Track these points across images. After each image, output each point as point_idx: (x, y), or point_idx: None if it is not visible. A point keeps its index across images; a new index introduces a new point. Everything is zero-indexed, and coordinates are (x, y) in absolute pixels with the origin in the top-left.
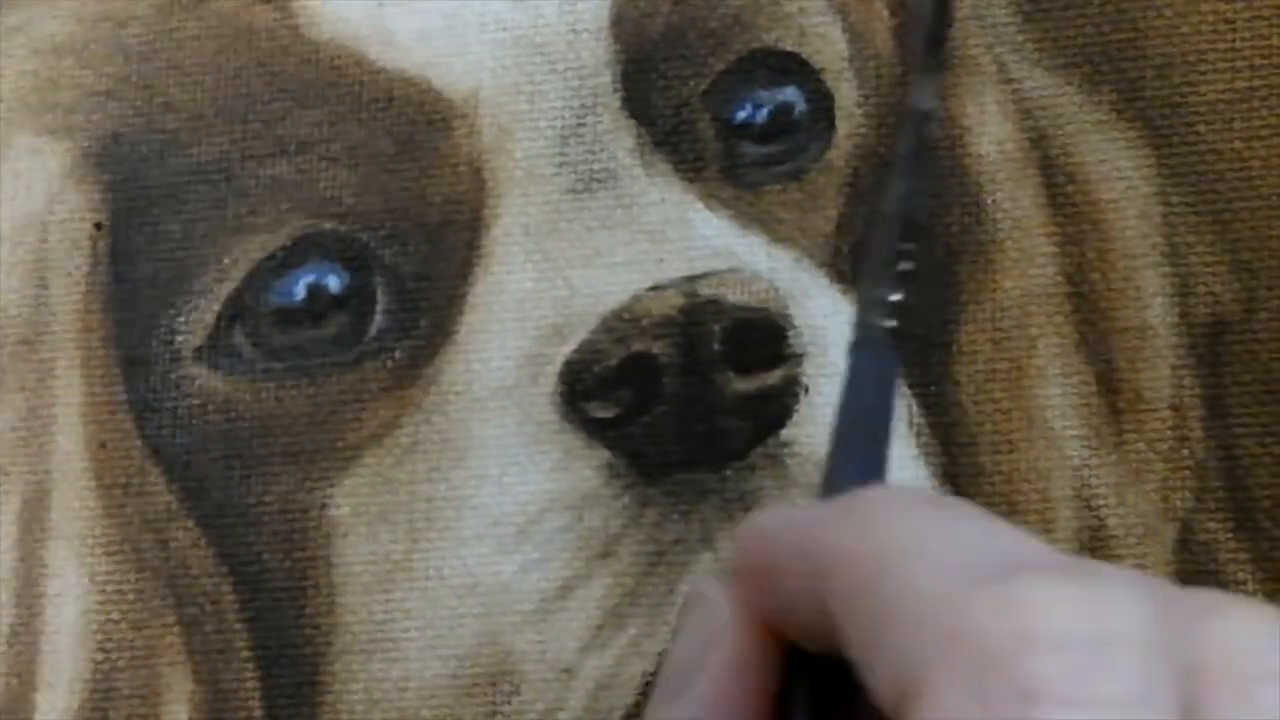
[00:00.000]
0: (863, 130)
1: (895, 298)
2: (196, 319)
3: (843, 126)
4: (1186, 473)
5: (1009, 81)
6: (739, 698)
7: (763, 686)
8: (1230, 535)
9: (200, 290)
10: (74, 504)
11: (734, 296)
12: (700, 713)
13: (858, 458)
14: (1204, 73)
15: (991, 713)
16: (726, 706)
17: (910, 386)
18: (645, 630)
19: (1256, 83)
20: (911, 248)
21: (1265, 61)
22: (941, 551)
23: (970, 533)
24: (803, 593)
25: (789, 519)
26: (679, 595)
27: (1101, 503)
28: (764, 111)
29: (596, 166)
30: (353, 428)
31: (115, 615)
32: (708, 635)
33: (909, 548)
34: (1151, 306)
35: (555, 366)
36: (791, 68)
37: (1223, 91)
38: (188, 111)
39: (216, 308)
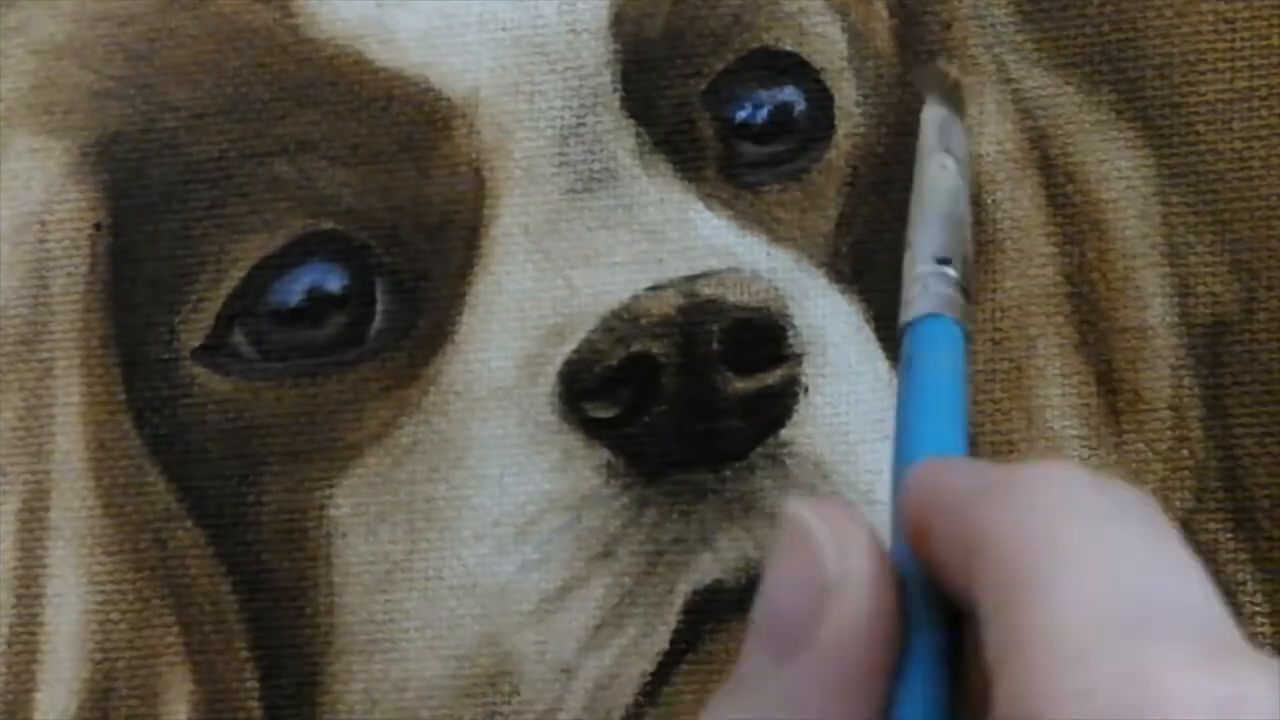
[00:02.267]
0: (862, 130)
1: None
2: (196, 319)
3: (842, 126)
4: (1186, 473)
5: (1008, 81)
6: (867, 654)
7: (890, 638)
8: (1230, 535)
9: (200, 290)
10: (74, 504)
11: (734, 296)
12: (829, 669)
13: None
14: (1203, 73)
15: None
16: (855, 664)
17: None
18: (645, 630)
19: (1256, 83)
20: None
21: (1265, 61)
22: (1084, 578)
23: (1121, 557)
24: (951, 556)
25: (955, 473)
26: (678, 595)
27: None
28: (764, 111)
29: (596, 166)
30: (352, 428)
31: (115, 615)
32: (823, 577)
33: (1054, 565)
34: (1151, 307)
35: (555, 366)
36: (791, 68)
37: (1222, 91)
38: (187, 111)
39: (216, 308)
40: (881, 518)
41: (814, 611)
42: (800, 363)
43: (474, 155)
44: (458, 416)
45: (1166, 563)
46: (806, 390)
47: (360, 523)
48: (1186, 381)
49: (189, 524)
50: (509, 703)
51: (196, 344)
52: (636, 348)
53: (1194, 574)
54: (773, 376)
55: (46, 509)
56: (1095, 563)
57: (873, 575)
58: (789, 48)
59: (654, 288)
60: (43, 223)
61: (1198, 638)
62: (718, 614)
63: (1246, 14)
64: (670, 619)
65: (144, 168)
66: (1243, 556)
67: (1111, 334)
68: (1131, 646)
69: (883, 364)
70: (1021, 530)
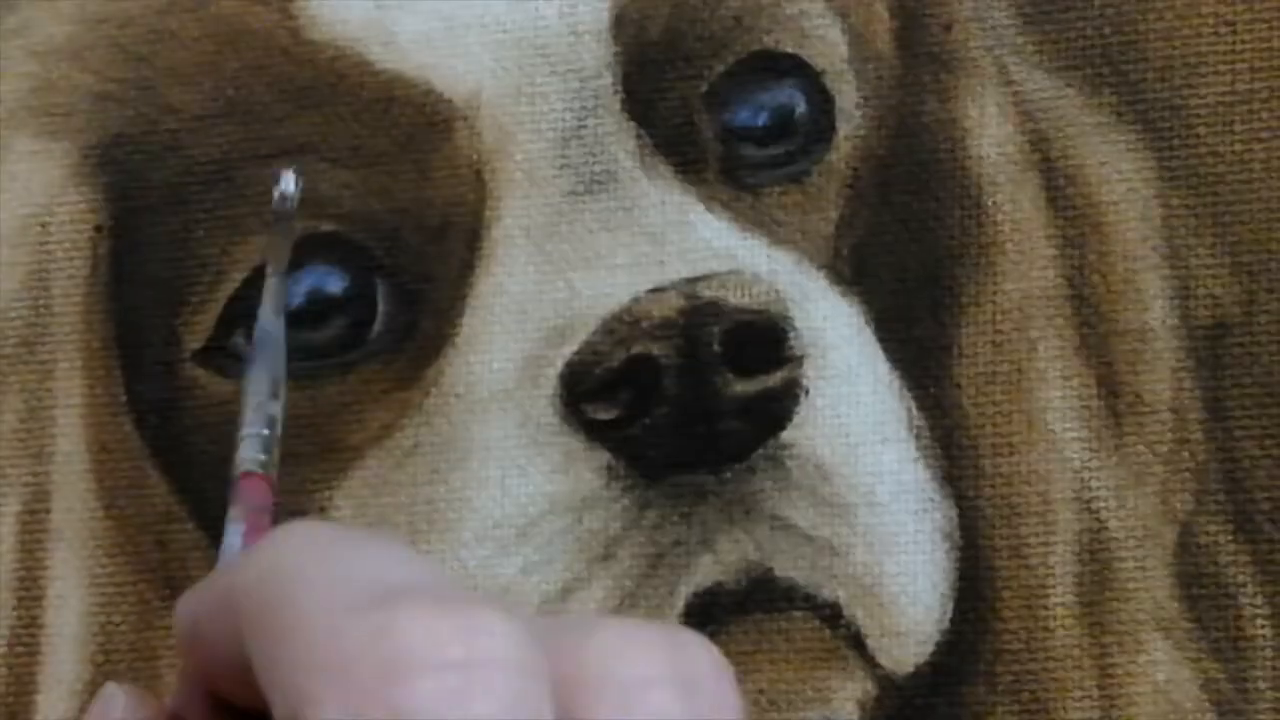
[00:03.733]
0: (863, 132)
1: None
2: (197, 321)
3: (843, 128)
4: (1187, 475)
5: (1009, 83)
6: None
7: None
8: (1230, 538)
9: (200, 292)
10: (74, 506)
11: (734, 298)
12: None
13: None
14: (1204, 75)
15: None
16: None
17: (910, 389)
18: None
19: (1257, 85)
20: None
21: (1266, 64)
22: (330, 581)
23: (362, 561)
24: (228, 640)
25: (216, 572)
26: (679, 597)
27: (1102, 505)
28: (764, 113)
29: (597, 168)
30: (353, 430)
31: (116, 617)
32: None
33: (302, 577)
34: (1152, 309)
35: (556, 368)
36: (792, 70)
37: (1223, 94)
38: (188, 113)
39: (217, 310)
40: (880, 519)
41: None
42: (801, 365)
43: (475, 157)
44: (459, 418)
45: (409, 558)
46: (807, 392)
47: (361, 524)
48: (1187, 384)
49: (190, 525)
50: None
51: (197, 346)
52: (637, 350)
53: (438, 569)
54: (773, 378)
55: (47, 510)
56: (338, 567)
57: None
58: (789, 50)
59: (655, 290)
60: (43, 225)
61: (438, 596)
62: (718, 616)
63: (1247, 16)
64: (671, 620)
65: (145, 170)
66: (1243, 559)
67: (1112, 336)
68: (378, 614)
69: (883, 366)
70: (269, 570)
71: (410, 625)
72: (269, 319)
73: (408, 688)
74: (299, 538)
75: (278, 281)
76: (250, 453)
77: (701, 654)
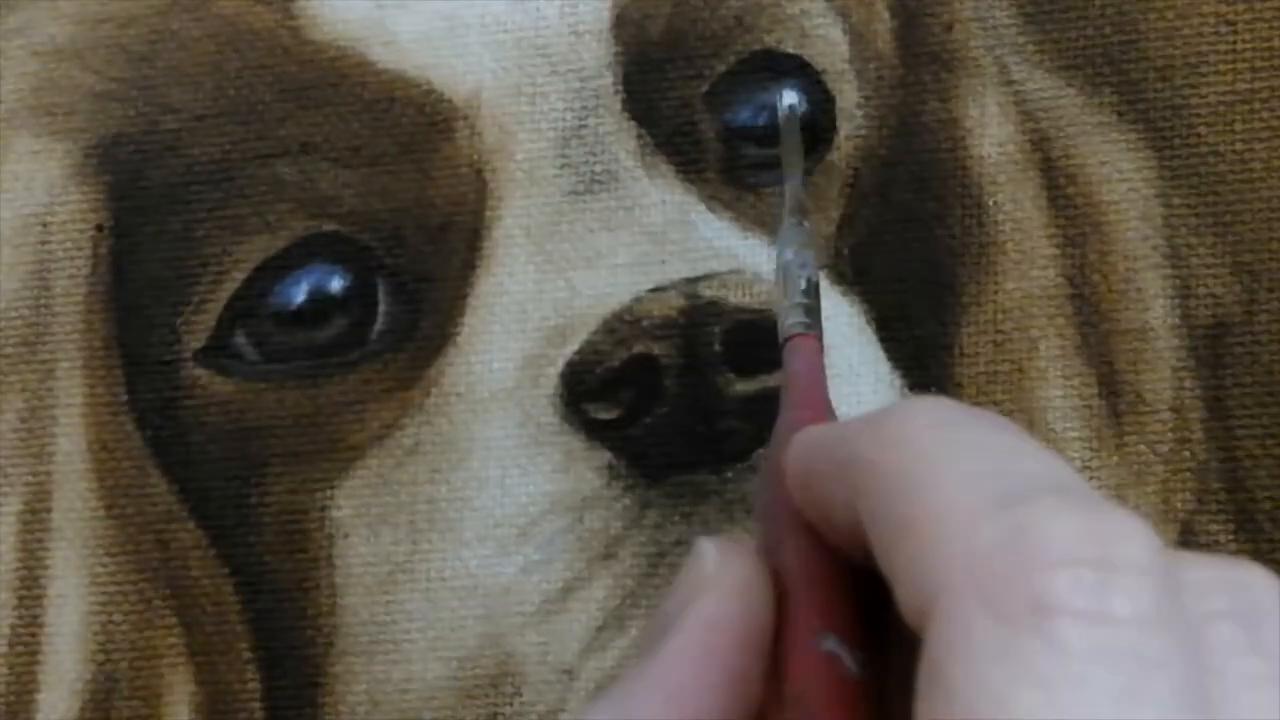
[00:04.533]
0: (863, 132)
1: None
2: (198, 320)
3: (844, 128)
4: (1187, 474)
5: (1010, 83)
6: (711, 648)
7: (747, 629)
8: (1231, 537)
9: (202, 292)
10: (75, 505)
11: (735, 298)
12: (668, 669)
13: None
14: (1205, 75)
15: (1006, 626)
16: (697, 659)
17: (910, 388)
18: None
19: (1258, 85)
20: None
21: (1266, 64)
22: (962, 470)
23: (993, 451)
24: (842, 504)
25: (832, 429)
26: None
27: None
28: (765, 113)
29: (598, 168)
30: (354, 429)
31: (116, 616)
32: (690, 588)
33: (933, 464)
34: (1152, 308)
35: (556, 368)
36: (793, 69)
37: (1224, 93)
38: (189, 113)
39: (218, 309)
40: None
41: (685, 604)
42: None
43: (476, 157)
44: (459, 418)
45: (1036, 452)
46: None
47: (362, 524)
48: (1188, 383)
49: (191, 525)
50: (511, 704)
51: (198, 345)
52: (638, 349)
53: (1062, 461)
54: (774, 378)
55: (49, 510)
56: (969, 456)
57: (742, 574)
58: (790, 50)
59: (655, 289)
60: (45, 224)
61: (1073, 496)
62: None
63: (1248, 16)
64: None
65: (146, 169)
66: (1243, 558)
67: (1113, 335)
68: (1014, 510)
69: (884, 365)
70: (896, 449)
71: (1050, 523)
72: (795, 218)
73: (1048, 579)
74: (925, 416)
75: (795, 187)
76: (795, 318)
77: (1268, 587)
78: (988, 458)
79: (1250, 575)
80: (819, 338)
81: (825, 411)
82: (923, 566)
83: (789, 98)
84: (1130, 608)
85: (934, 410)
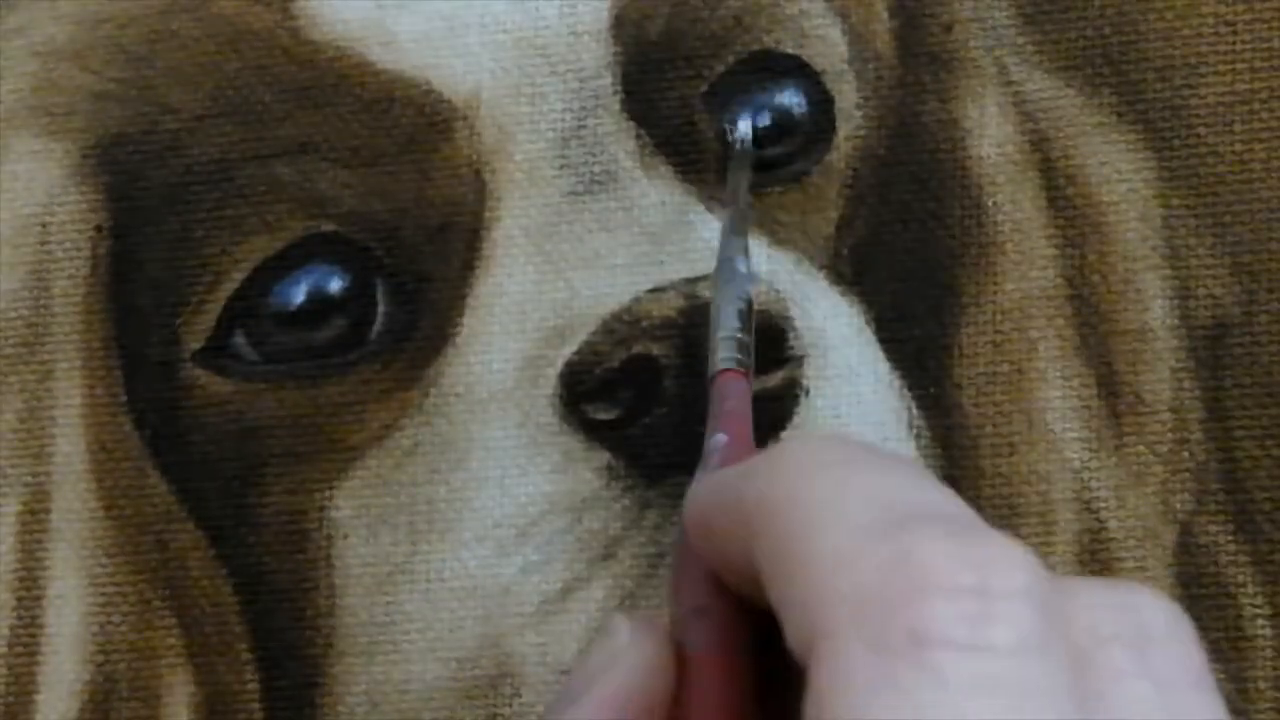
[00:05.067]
0: (863, 132)
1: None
2: (197, 321)
3: (843, 128)
4: (1186, 475)
5: (1009, 84)
6: (625, 708)
7: (649, 702)
8: (1230, 538)
9: (201, 292)
10: (74, 506)
11: None
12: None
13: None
14: (1204, 75)
15: (885, 658)
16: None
17: (910, 389)
18: None
19: (1257, 85)
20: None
21: (1266, 64)
22: (847, 506)
23: (879, 486)
24: (738, 549)
25: (727, 473)
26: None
27: (1102, 505)
28: (764, 113)
29: (597, 168)
30: (353, 430)
31: (116, 617)
32: (606, 656)
33: (819, 502)
34: (1152, 309)
35: (555, 368)
36: (792, 70)
37: (1223, 94)
38: (188, 113)
39: (217, 310)
40: None
41: (595, 676)
42: (801, 365)
43: (475, 157)
44: (458, 418)
45: (924, 485)
46: (807, 392)
47: (361, 524)
48: (1187, 384)
49: (190, 526)
50: (510, 705)
51: (197, 346)
52: (637, 350)
53: (948, 492)
54: (773, 379)
55: (47, 511)
56: (853, 490)
57: (650, 651)
58: (789, 50)
59: (655, 290)
60: (44, 225)
61: (953, 524)
62: None
63: (1247, 16)
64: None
65: (145, 170)
66: (1243, 559)
67: (1112, 336)
68: (896, 539)
69: (883, 366)
70: (782, 485)
71: (927, 551)
72: (732, 249)
73: (925, 610)
74: (810, 454)
75: (738, 212)
76: (727, 352)
77: (1157, 609)
78: (873, 493)
79: (1139, 598)
80: (748, 374)
81: (752, 453)
82: (806, 602)
83: (742, 128)
84: (1009, 636)
85: (821, 449)
